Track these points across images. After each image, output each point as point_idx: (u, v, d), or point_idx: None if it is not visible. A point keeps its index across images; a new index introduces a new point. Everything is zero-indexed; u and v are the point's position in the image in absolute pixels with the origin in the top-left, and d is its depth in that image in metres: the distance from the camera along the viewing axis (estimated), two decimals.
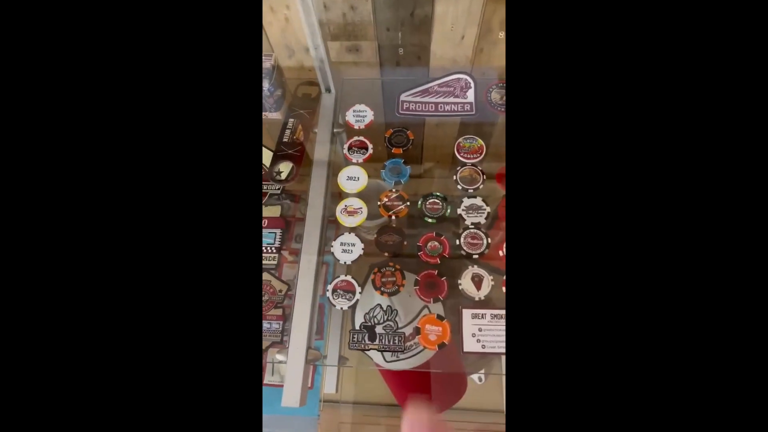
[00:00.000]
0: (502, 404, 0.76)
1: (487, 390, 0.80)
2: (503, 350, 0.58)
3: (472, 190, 0.67)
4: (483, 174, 0.68)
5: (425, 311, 0.65)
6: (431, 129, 1.04)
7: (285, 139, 0.73)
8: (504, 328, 0.58)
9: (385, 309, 0.62)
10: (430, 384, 0.75)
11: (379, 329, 0.60)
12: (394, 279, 0.62)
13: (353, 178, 0.68)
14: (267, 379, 0.83)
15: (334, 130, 0.73)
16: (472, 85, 0.74)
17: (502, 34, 0.84)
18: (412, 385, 0.79)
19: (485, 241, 0.63)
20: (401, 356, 0.70)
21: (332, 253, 0.64)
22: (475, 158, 0.69)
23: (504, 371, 0.75)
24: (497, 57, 0.88)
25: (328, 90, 0.78)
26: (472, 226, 0.64)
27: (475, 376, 0.97)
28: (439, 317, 0.60)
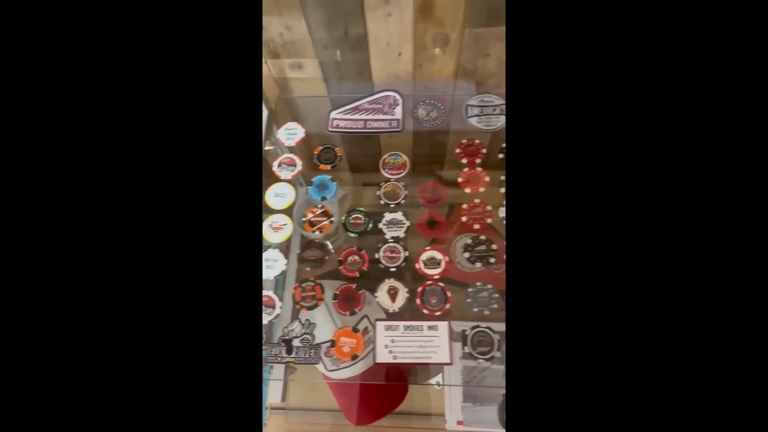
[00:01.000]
0: (443, 408, 0.78)
1: (434, 394, 0.82)
2: (416, 360, 0.60)
3: (393, 205, 0.69)
4: (405, 188, 0.70)
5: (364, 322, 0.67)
6: (386, 139, 1.06)
7: None
8: (417, 338, 0.60)
9: (303, 322, 0.64)
10: (369, 391, 0.77)
11: (296, 342, 0.62)
12: (314, 293, 0.64)
13: (280, 195, 0.71)
14: None
15: (265, 148, 0.76)
16: (400, 102, 0.77)
17: (437, 51, 0.85)
18: (351, 392, 0.81)
19: (402, 255, 0.65)
20: (341, 365, 0.72)
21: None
22: (399, 174, 0.71)
23: (443, 378, 0.78)
24: (437, 71, 0.90)
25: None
26: (392, 240, 0.67)
27: (433, 381, 0.99)
28: (355, 330, 0.62)
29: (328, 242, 0.73)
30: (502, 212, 0.69)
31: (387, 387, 0.78)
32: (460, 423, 0.77)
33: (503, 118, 0.73)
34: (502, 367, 0.79)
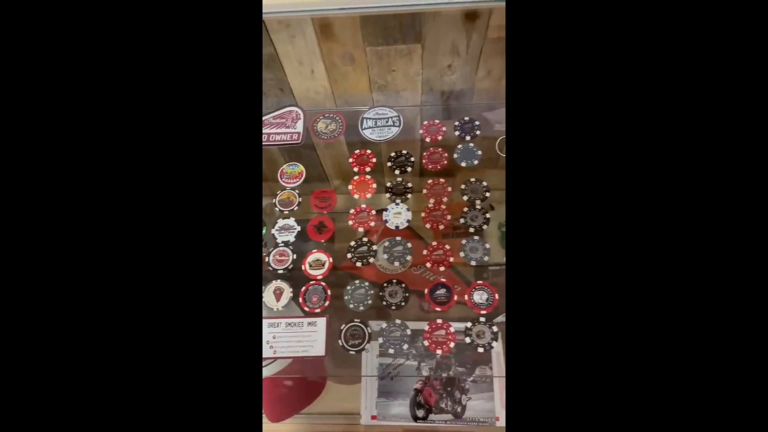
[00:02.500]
0: (359, 408, 0.81)
1: (349, 392, 0.86)
2: (293, 354, 0.64)
3: (287, 212, 0.74)
4: (299, 196, 0.75)
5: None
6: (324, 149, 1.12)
7: None
8: (297, 334, 0.65)
9: None
10: (281, 390, 0.82)
11: None
12: None
13: None
14: None
15: None
16: (302, 116, 0.82)
17: (346, 68, 0.91)
18: (267, 391, 0.85)
19: (291, 258, 0.71)
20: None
21: None
22: (295, 182, 0.77)
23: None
24: (352, 86, 0.95)
25: None
26: (282, 244, 0.72)
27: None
28: None
29: None
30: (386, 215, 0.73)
31: (300, 385, 0.82)
32: (374, 418, 0.80)
33: (395, 129, 0.78)
34: (415, 363, 0.81)
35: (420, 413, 0.78)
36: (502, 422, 0.77)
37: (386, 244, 0.77)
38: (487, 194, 0.75)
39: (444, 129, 0.79)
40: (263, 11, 0.70)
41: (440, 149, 0.77)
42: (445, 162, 0.76)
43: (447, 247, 0.70)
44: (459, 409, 0.78)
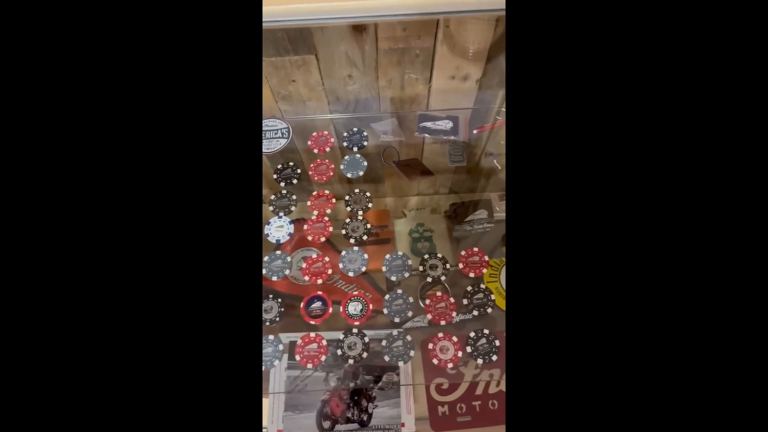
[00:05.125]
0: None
1: None
2: None
3: None
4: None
5: None
6: None
7: None
8: None
9: None
10: None
11: None
12: None
13: None
14: None
15: None
16: None
17: None
18: None
19: None
20: None
21: None
22: None
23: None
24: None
25: None
26: None
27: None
28: None
29: None
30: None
31: None
32: (280, 431, 0.79)
33: (284, 141, 0.78)
34: (323, 374, 0.81)
35: (326, 425, 0.78)
36: (407, 428, 0.78)
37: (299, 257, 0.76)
38: (369, 205, 0.76)
39: (333, 140, 0.79)
40: None
41: (327, 160, 0.77)
42: (331, 173, 0.76)
43: (326, 259, 0.71)
44: (365, 418, 0.79)
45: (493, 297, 0.68)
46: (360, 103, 0.90)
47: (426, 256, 0.71)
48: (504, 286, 0.82)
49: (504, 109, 0.85)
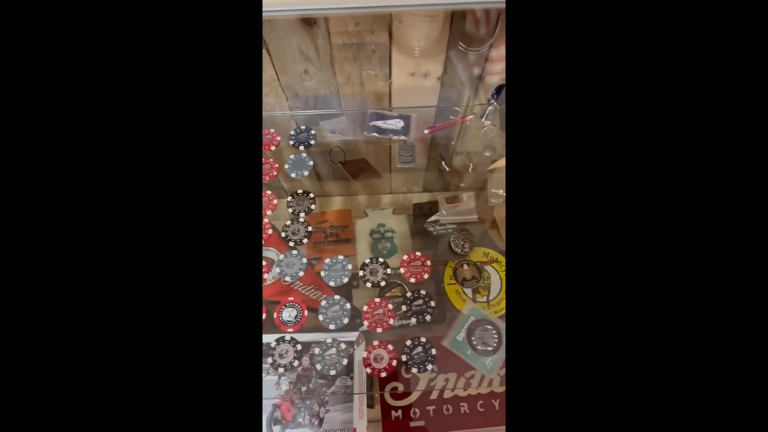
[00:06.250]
0: None
1: None
2: None
3: None
4: None
5: None
6: None
7: None
8: None
9: None
10: None
11: None
12: None
13: None
14: None
15: None
16: None
17: None
18: None
19: None
20: None
21: None
22: None
23: None
24: None
25: None
26: None
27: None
28: None
29: None
30: None
31: None
32: None
33: None
34: (275, 377, 0.79)
35: (276, 429, 0.77)
36: None
37: None
38: (313, 207, 0.74)
39: (278, 139, 0.77)
40: None
41: (272, 159, 0.75)
42: (275, 173, 0.74)
43: (263, 263, 0.68)
44: (316, 423, 0.77)
45: (433, 303, 0.66)
46: (319, 99, 0.88)
47: (366, 261, 0.69)
48: (465, 290, 0.81)
49: (458, 108, 0.83)
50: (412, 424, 0.77)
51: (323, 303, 0.64)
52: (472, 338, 0.71)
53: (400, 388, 0.79)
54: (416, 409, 0.78)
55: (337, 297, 0.64)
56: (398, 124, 0.77)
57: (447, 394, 0.78)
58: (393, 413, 0.78)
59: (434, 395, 0.79)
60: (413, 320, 0.64)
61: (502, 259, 0.83)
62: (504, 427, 0.72)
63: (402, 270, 0.67)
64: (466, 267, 0.79)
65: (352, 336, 0.70)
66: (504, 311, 0.80)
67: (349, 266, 0.66)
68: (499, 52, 0.72)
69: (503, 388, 0.77)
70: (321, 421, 0.77)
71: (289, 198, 0.73)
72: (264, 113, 0.87)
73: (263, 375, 0.79)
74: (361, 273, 0.68)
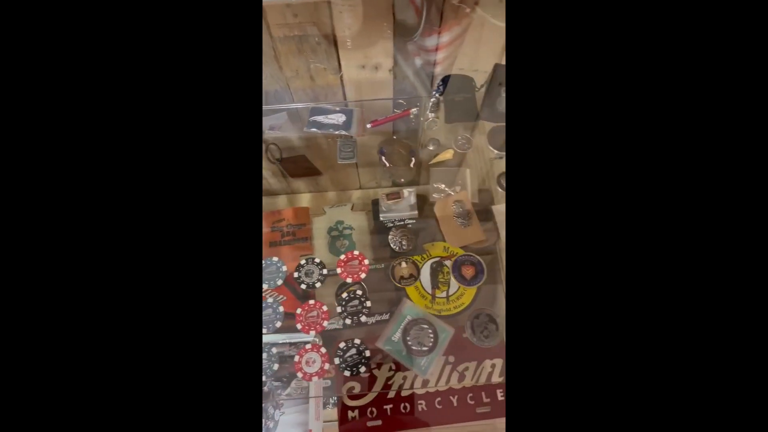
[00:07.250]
0: None
1: None
2: None
3: None
4: None
5: None
6: None
7: None
8: None
9: None
10: None
11: None
12: None
13: None
14: None
15: None
16: None
17: None
18: None
19: None
20: None
21: None
22: None
23: None
24: None
25: None
26: None
27: None
28: None
29: None
30: None
31: None
32: None
33: None
34: None
35: None
36: None
37: None
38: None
39: None
40: None
41: None
42: None
43: None
44: (271, 425, 0.76)
45: (368, 304, 0.64)
46: (270, 94, 0.86)
47: (302, 262, 0.67)
48: (424, 286, 0.79)
49: (402, 101, 0.81)
50: (369, 423, 0.76)
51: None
52: (408, 338, 0.69)
53: (357, 388, 0.77)
54: (373, 409, 0.76)
55: (270, 300, 0.62)
56: (340, 118, 0.75)
57: (405, 393, 0.77)
58: (350, 413, 0.76)
59: (392, 394, 0.77)
60: (348, 321, 0.62)
61: (461, 252, 0.82)
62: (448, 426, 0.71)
63: (339, 270, 0.65)
64: (404, 265, 0.77)
65: (299, 338, 0.68)
66: (464, 306, 0.79)
67: (284, 268, 0.64)
68: (433, 41, 0.70)
69: (461, 386, 0.76)
70: (276, 423, 0.76)
71: None
72: None
73: None
74: (296, 275, 0.66)
